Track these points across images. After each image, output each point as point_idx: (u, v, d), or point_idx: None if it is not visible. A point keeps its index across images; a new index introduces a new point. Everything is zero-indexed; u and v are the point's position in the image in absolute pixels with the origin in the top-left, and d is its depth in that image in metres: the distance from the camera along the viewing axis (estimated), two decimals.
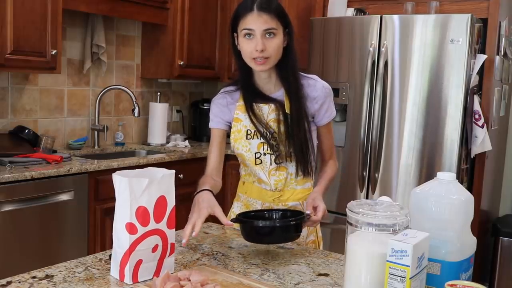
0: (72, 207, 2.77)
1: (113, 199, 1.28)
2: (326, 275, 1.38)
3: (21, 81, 3.14)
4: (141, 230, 1.25)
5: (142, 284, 1.26)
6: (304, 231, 1.67)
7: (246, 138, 1.73)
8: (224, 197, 3.55)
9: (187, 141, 3.86)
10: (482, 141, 2.98)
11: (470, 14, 2.88)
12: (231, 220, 1.54)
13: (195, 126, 4.23)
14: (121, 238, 1.26)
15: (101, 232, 2.93)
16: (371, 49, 3.14)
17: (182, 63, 3.72)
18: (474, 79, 2.99)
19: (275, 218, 1.63)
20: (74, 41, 3.41)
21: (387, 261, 1.06)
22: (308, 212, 1.58)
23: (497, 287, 3.29)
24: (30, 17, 2.74)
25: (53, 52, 2.86)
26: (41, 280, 1.25)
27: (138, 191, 1.24)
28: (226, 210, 4.02)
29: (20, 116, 3.14)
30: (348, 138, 3.29)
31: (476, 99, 3.00)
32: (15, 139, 2.95)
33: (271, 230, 1.51)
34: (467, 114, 2.97)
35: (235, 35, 1.67)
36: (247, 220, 1.54)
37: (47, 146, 2.95)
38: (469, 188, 3.16)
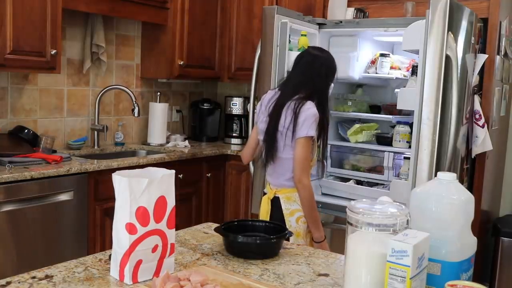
0: (72, 207, 2.76)
1: (113, 199, 1.28)
2: (326, 275, 1.38)
3: (21, 81, 3.14)
4: (141, 230, 1.25)
5: (142, 284, 1.25)
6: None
7: None
8: (224, 197, 3.54)
9: (187, 141, 3.86)
10: (482, 141, 2.97)
11: None
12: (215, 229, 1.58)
13: (195, 126, 4.22)
14: (121, 238, 1.26)
15: (101, 232, 2.93)
16: None
17: (182, 63, 3.72)
18: (475, 79, 2.99)
19: (256, 232, 1.63)
20: (74, 41, 3.41)
21: (387, 261, 1.06)
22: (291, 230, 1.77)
23: (497, 287, 3.29)
24: (29, 17, 2.74)
25: (53, 52, 2.85)
26: (41, 280, 1.24)
27: (138, 191, 1.24)
28: (225, 210, 3.97)
29: (19, 116, 3.14)
30: None
31: (477, 99, 2.99)
32: (15, 139, 2.94)
33: (250, 246, 1.50)
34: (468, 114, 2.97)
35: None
36: (228, 233, 1.54)
37: (46, 146, 2.95)
38: (470, 188, 3.15)
